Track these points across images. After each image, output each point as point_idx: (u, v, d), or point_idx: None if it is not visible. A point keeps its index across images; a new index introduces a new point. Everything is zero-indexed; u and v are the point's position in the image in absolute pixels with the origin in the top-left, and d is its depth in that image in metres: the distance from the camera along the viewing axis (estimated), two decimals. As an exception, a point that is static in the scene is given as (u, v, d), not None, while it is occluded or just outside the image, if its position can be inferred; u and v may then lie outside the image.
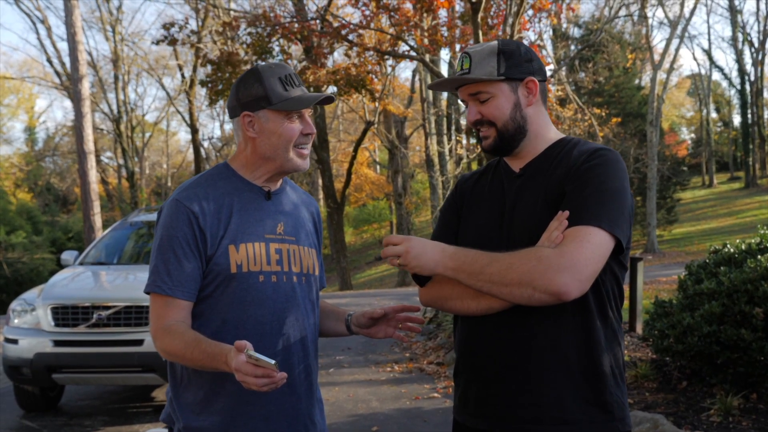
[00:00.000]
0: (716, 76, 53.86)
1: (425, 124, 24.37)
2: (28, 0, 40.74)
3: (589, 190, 1.59)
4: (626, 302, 6.71)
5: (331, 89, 16.06)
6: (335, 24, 13.84)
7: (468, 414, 1.75)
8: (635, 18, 23.80)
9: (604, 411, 1.63)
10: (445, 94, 22.85)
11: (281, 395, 1.81)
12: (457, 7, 14.62)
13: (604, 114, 18.48)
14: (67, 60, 28.16)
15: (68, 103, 44.22)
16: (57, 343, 5.46)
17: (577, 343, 1.62)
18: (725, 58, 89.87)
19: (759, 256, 4.67)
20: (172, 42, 15.75)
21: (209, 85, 17.07)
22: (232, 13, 20.35)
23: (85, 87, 13.82)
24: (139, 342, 5.41)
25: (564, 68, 19.50)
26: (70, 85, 20.27)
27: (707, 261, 5.17)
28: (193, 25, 24.39)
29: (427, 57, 15.05)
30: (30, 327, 5.59)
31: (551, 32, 21.39)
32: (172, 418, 1.86)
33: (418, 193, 35.41)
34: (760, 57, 36.80)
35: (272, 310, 1.83)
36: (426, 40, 13.35)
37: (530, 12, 12.04)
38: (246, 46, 15.58)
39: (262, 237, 1.85)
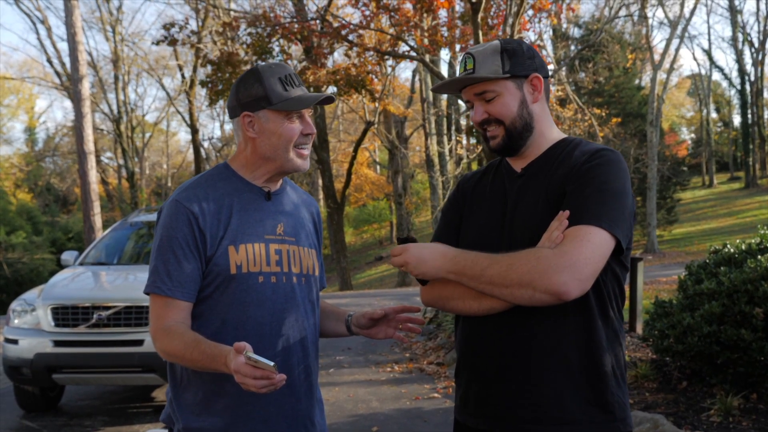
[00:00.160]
0: (716, 76, 53.93)
1: (425, 124, 24.38)
2: (28, 0, 40.79)
3: (590, 190, 1.59)
4: (626, 302, 6.70)
5: (331, 89, 16.06)
6: (335, 24, 13.84)
7: (469, 414, 1.75)
8: (635, 18, 23.80)
9: (604, 411, 1.62)
10: (445, 95, 22.85)
11: (281, 396, 1.81)
12: (457, 7, 14.62)
13: (604, 114, 18.48)
14: (67, 60, 28.19)
15: (68, 104, 44.27)
16: (57, 344, 5.46)
17: (578, 343, 1.62)
18: (725, 58, 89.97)
19: (759, 256, 4.67)
20: (172, 42, 15.75)
21: (209, 85, 17.07)
22: (232, 13, 20.35)
23: (85, 87, 13.82)
24: (139, 342, 5.41)
25: (564, 68, 19.49)
26: (70, 85, 20.28)
27: (707, 261, 5.17)
28: (193, 25, 24.41)
29: (427, 57, 15.06)
30: (30, 327, 5.59)
31: (551, 32, 21.39)
32: (172, 419, 1.85)
33: (418, 194, 35.42)
34: (760, 57, 36.81)
35: (272, 310, 1.83)
36: (426, 41, 13.35)
37: (530, 12, 12.05)
38: (246, 46, 15.58)
39: (262, 238, 1.84)
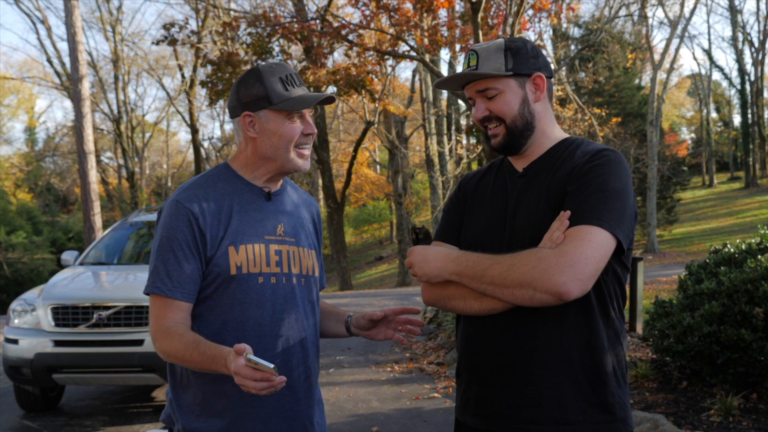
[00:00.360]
0: (716, 76, 54.01)
1: (425, 124, 24.37)
2: (28, 0, 40.79)
3: (591, 190, 1.59)
4: (627, 302, 6.70)
5: (331, 89, 16.06)
6: (335, 24, 13.83)
7: (469, 414, 1.75)
8: (635, 18, 23.81)
9: (605, 412, 1.62)
10: (445, 94, 22.85)
11: (280, 397, 1.81)
12: (457, 7, 14.62)
13: (604, 114, 18.49)
14: (67, 60, 28.20)
15: (68, 103, 44.28)
16: (57, 343, 5.46)
17: (579, 343, 1.62)
18: (725, 58, 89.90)
19: (759, 256, 4.67)
20: (172, 42, 15.75)
21: (209, 85, 17.08)
22: (232, 13, 20.35)
23: (85, 87, 13.81)
24: (140, 342, 5.41)
25: (564, 68, 19.50)
26: (70, 85, 20.28)
27: (707, 261, 5.17)
28: (193, 25, 24.44)
29: (427, 57, 15.05)
30: (30, 327, 5.59)
31: (551, 32, 21.42)
32: (172, 419, 1.85)
33: (419, 193, 35.40)
34: (760, 57, 36.80)
35: (272, 311, 1.82)
36: (426, 40, 13.34)
37: (530, 12, 12.05)
38: (246, 46, 15.58)
39: (262, 238, 1.84)
